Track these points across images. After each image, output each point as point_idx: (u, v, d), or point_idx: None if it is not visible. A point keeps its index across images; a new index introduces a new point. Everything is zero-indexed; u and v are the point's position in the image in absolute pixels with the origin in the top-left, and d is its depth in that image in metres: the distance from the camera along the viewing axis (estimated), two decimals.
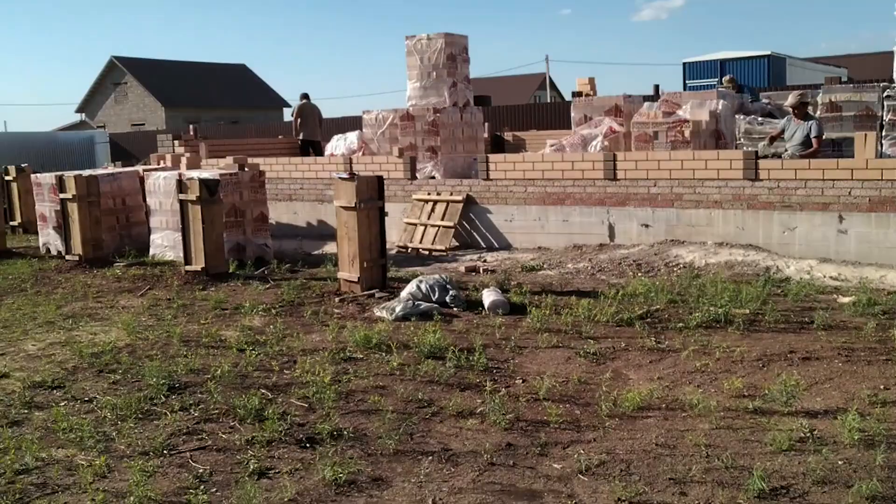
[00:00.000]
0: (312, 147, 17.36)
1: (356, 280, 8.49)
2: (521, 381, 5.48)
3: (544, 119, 22.13)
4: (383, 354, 6.10)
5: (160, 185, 11.55)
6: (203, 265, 9.79)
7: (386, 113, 15.53)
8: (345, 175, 8.56)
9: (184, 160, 13.72)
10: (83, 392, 5.56)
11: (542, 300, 7.62)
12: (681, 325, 6.66)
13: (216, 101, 56.34)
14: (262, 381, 5.63)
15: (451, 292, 7.53)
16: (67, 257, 11.34)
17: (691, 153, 9.82)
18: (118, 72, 56.87)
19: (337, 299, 8.09)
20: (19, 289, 9.65)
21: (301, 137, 17.48)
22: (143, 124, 52.52)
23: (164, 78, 56.02)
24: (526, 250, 10.92)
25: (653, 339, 6.32)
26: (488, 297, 7.45)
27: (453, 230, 11.24)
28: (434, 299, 7.47)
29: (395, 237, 12.09)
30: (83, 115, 58.35)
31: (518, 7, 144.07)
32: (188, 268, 9.88)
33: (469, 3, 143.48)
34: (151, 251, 11.82)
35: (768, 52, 26.70)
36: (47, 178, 12.57)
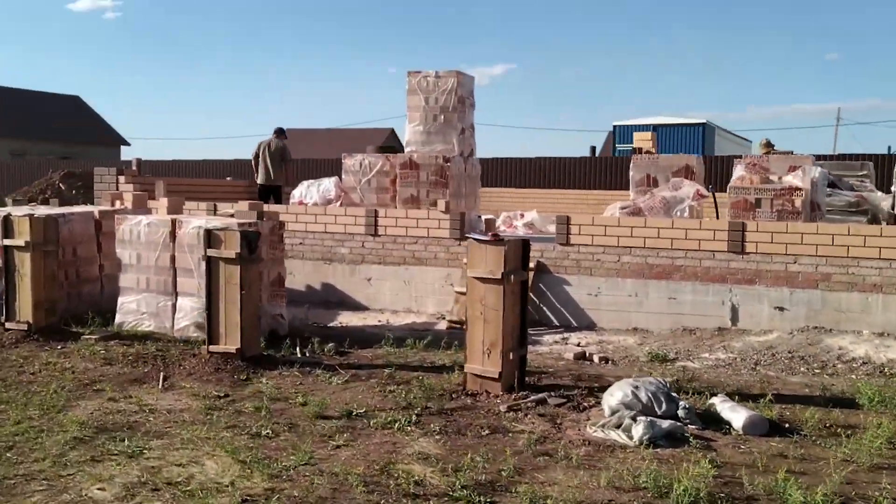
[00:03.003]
0: (273, 194, 14.72)
1: (496, 377, 6.24)
2: None
3: (536, 175, 21.37)
4: None
5: (141, 232, 8.76)
6: (238, 346, 7.15)
7: (373, 159, 13.34)
8: (485, 236, 6.33)
9: (128, 201, 10.83)
10: None
11: (800, 415, 5.67)
12: None
13: (45, 133, 50.42)
14: None
15: (681, 403, 5.45)
16: (9, 325, 8.24)
17: (846, 227, 8.36)
18: None
19: (503, 408, 5.77)
20: None
21: (258, 181, 14.79)
22: None
23: None
24: (617, 331, 8.99)
25: None
26: (735, 410, 5.43)
27: None
28: (659, 412, 5.35)
29: (433, 308, 9.83)
30: None
31: (352, 64, 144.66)
32: (215, 348, 7.21)
33: (291, 51, 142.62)
34: (119, 318, 8.92)
35: (703, 120, 26.55)
36: None
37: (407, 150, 12.80)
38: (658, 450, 4.93)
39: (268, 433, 5.25)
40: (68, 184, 22.00)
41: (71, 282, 9.41)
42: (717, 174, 21.35)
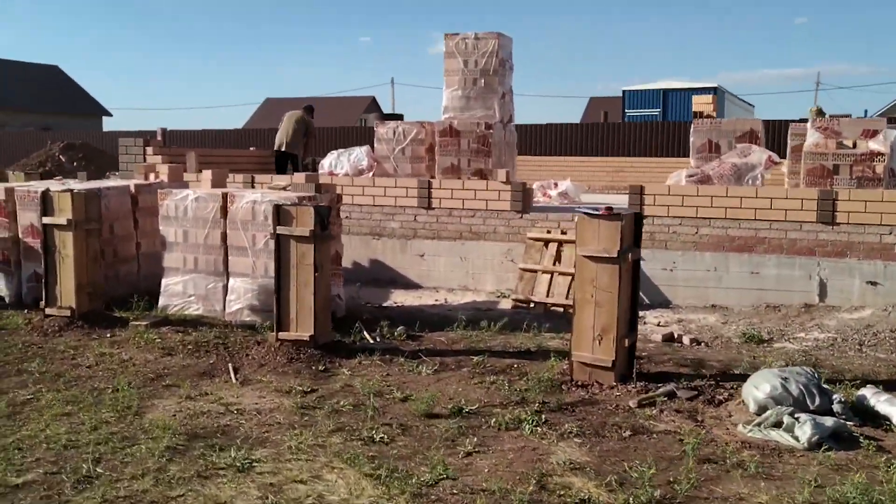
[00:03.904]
0: (291, 161, 14.05)
1: (608, 365, 5.70)
2: None
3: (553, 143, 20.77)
4: None
5: (188, 208, 8.12)
6: (312, 332, 6.57)
7: (407, 127, 12.70)
8: (596, 210, 5.74)
9: (164, 173, 10.15)
10: None
11: None
12: None
13: (24, 103, 48.92)
14: None
15: (834, 397, 4.93)
16: (49, 311, 7.60)
17: None
18: None
19: (632, 403, 5.23)
20: (6, 374, 6.08)
21: (275, 147, 14.12)
22: None
23: None
24: (695, 309, 8.47)
25: None
26: (893, 404, 4.90)
27: None
28: (812, 407, 4.83)
29: (492, 285, 9.27)
30: None
31: (319, 32, 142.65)
32: (286, 335, 6.62)
33: (263, 20, 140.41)
34: (162, 301, 8.31)
35: (715, 84, 25.90)
36: None
37: (444, 116, 12.14)
38: (830, 453, 4.41)
39: (382, 437, 4.69)
40: (69, 156, 21.17)
41: (108, 262, 8.76)
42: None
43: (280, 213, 6.65)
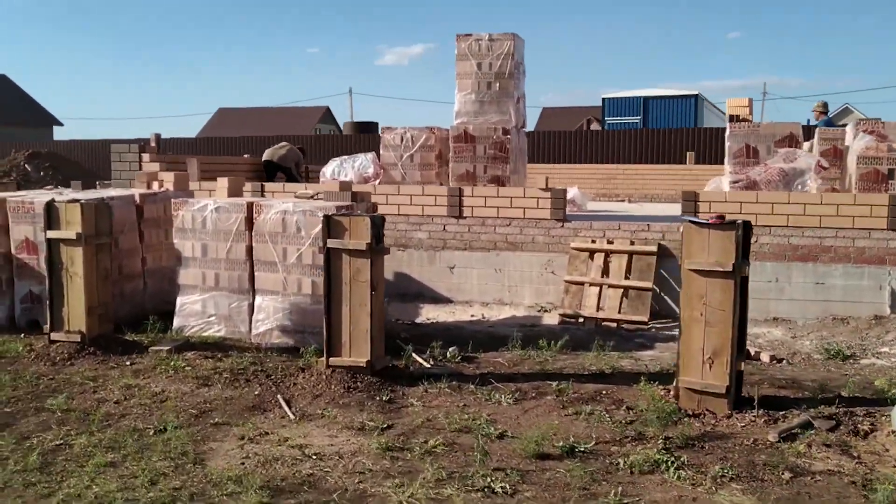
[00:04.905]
0: (282, 171, 13.26)
1: (721, 392, 5.08)
2: None
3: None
4: None
5: (207, 219, 7.31)
6: (368, 357, 5.83)
7: (416, 131, 12.05)
8: (705, 219, 5.11)
9: (168, 181, 9.30)
10: None
11: None
12: None
13: None
14: None
15: None
16: (56, 337, 6.72)
17: None
18: None
19: (772, 437, 4.59)
20: (22, 414, 5.25)
21: (266, 158, 13.32)
22: None
23: None
24: (756, 322, 7.92)
25: None
26: None
27: (651, 293, 7.98)
28: None
29: (530, 298, 8.62)
30: None
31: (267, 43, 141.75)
32: (338, 361, 5.87)
33: (212, 31, 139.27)
34: (178, 322, 7.48)
35: (696, 92, 25.65)
36: None
37: (457, 121, 11.48)
38: None
39: (503, 487, 3.98)
40: (34, 164, 19.97)
41: (113, 279, 7.89)
42: (706, 145, 20.64)
43: (331, 225, 5.90)
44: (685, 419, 5.00)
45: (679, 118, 25.45)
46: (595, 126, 30.97)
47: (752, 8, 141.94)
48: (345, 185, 7.46)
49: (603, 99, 27.06)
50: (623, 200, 17.38)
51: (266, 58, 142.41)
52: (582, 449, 4.49)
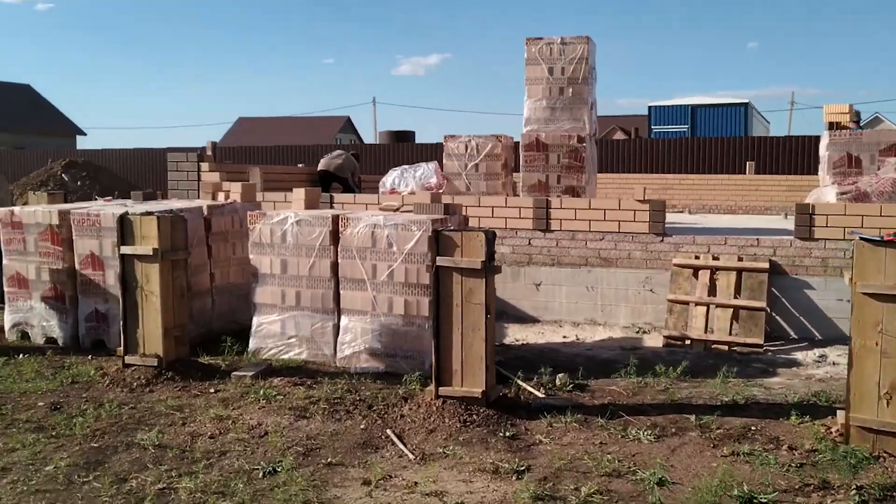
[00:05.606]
0: (338, 182, 12.73)
1: None
2: None
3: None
4: None
5: (287, 233, 6.77)
6: (483, 388, 5.25)
7: (481, 140, 11.51)
8: (884, 237, 4.49)
9: (235, 192, 8.79)
10: None
11: None
12: None
13: None
14: None
15: None
16: (130, 360, 6.19)
17: None
18: None
19: None
20: (112, 450, 4.71)
21: (322, 168, 12.80)
22: None
23: None
24: None
25: None
26: None
27: (764, 313, 7.34)
28: None
29: (626, 318, 8.00)
30: None
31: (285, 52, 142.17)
32: (448, 391, 5.29)
33: (234, 41, 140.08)
34: (254, 344, 6.94)
35: (746, 101, 24.96)
36: (34, 213, 7.37)
37: (527, 128, 10.92)
38: None
39: None
40: (71, 174, 19.60)
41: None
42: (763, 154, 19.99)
43: (440, 241, 5.33)
44: (864, 463, 4.37)
45: (728, 127, 24.77)
46: (619, 135, 30.38)
47: (771, 17, 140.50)
48: (435, 197, 6.90)
49: (649, 107, 26.45)
50: (682, 211, 16.71)
51: (281, 69, 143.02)
52: (763, 500, 3.88)
